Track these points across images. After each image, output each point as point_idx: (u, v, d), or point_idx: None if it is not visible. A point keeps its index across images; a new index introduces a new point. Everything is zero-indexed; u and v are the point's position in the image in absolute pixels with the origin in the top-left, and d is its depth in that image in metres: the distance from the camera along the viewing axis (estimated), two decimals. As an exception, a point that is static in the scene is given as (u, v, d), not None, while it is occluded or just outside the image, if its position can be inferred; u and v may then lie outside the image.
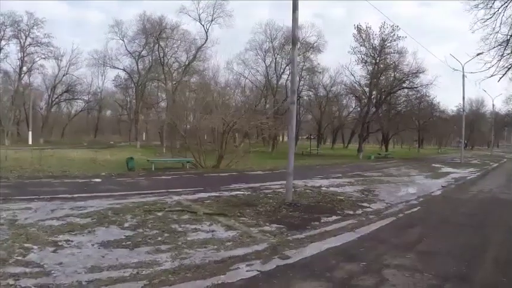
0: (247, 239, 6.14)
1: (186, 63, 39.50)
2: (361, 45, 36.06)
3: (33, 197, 9.90)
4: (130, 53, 41.13)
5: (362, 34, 35.65)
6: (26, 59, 40.73)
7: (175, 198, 9.74)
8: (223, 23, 40.50)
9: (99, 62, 43.28)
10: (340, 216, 7.93)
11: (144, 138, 41.81)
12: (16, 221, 7.46)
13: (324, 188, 11.97)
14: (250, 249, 5.63)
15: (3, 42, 39.40)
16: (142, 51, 40.77)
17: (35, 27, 40.16)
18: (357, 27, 35.81)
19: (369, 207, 9.08)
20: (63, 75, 44.09)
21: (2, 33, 38.99)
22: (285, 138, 48.09)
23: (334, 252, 5.69)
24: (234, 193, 10.34)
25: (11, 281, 4.49)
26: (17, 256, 5.40)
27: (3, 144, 34.31)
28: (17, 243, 5.95)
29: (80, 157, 22.65)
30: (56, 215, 7.94)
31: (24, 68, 40.74)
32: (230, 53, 65.73)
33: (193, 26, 63.74)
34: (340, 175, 16.62)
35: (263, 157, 24.98)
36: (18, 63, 40.51)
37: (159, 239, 6.28)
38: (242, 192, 10.48)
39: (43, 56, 41.73)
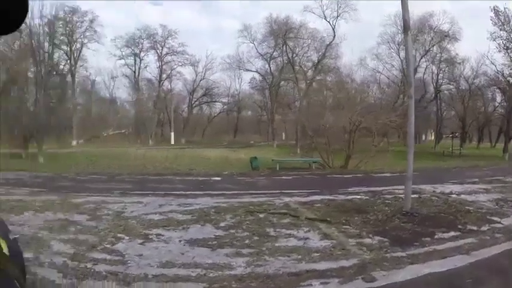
0: (339, 252, 5.68)
1: (316, 61, 39.88)
2: (500, 30, 31.27)
3: (150, 192, 10.96)
4: (261, 55, 43.13)
5: (500, 16, 30.88)
6: (164, 67, 46.49)
7: (286, 199, 9.67)
8: (349, 18, 39.97)
9: (232, 66, 46.15)
10: (459, 233, 6.75)
11: (283, 138, 43.37)
12: (123, 213, 8.31)
13: (453, 196, 10.45)
14: (335, 264, 5.19)
15: (142, 54, 46.17)
16: (273, 52, 42.49)
17: (170, 38, 45.71)
18: (494, 9, 31.11)
19: (499, 222, 7.56)
20: (200, 80, 48.43)
21: (141, 46, 45.75)
22: (430, 137, 44.69)
23: (433, 280, 4.79)
24: (350, 197, 9.81)
25: (89, 265, 5.06)
26: (106, 244, 6.06)
27: (147, 144, 39.25)
28: (112, 233, 6.64)
29: (215, 156, 24.34)
30: (160, 210, 8.62)
31: (164, 76, 46.50)
32: (362, 48, 63.77)
33: (320, 23, 63.77)
34: (476, 180, 14.38)
35: (398, 157, 23.40)
36: (158, 71, 46.59)
37: (246, 242, 6.26)
38: (359, 197, 9.86)
39: (180, 64, 46.84)
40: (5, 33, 0.68)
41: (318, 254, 5.57)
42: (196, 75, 47.97)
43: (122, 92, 50.68)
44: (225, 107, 51.65)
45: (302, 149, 23.11)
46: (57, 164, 19.27)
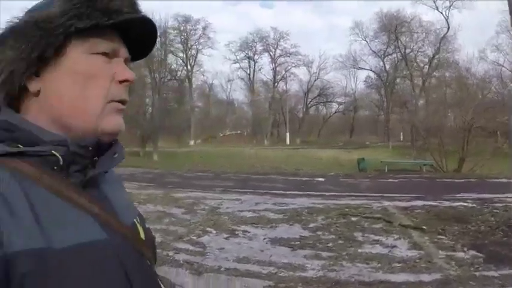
0: (423, 264, 5.20)
1: (431, 56, 37.17)
2: None
3: (250, 190, 11.29)
4: (374, 52, 42.01)
5: None
6: (278, 68, 48.10)
7: (385, 204, 9.22)
8: (462, 7, 36.26)
9: (345, 64, 45.78)
10: None
11: (401, 138, 41.32)
12: (218, 209, 8.69)
13: None
14: (412, 278, 4.76)
15: (256, 57, 48.47)
16: (386, 48, 40.97)
17: (282, 39, 47.06)
18: None
19: None
20: (315, 80, 48.93)
21: (254, 49, 48.01)
22: None
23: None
24: (455, 204, 8.92)
25: (170, 253, 5.46)
26: (192, 236, 6.49)
27: (263, 144, 40.42)
28: (202, 226, 7.05)
29: (326, 156, 24.17)
30: (255, 208, 8.86)
31: (278, 77, 48.04)
32: (480, 39, 57.41)
33: (432, 15, 58.90)
34: None
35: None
36: (272, 73, 48.41)
37: (329, 245, 6.13)
38: (465, 204, 8.91)
39: (293, 65, 48.03)
40: (140, 59, 0.84)
41: (399, 265, 5.20)
42: (311, 76, 48.66)
43: (239, 94, 52.93)
44: (341, 106, 51.12)
45: (417, 150, 21.71)
46: (170, 162, 20.90)
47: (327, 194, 10.78)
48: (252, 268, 5.00)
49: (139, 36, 0.79)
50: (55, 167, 0.70)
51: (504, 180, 13.35)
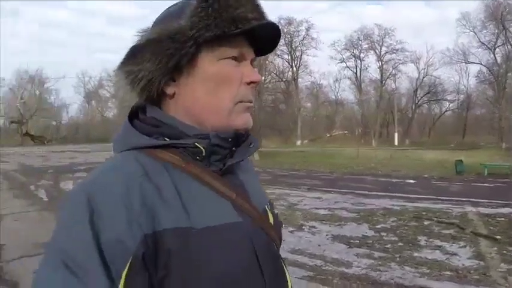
0: (476, 276, 4.81)
1: None
2: None
3: (335, 189, 11.42)
4: (484, 43, 37.82)
5: None
6: (384, 66, 45.77)
7: (467, 209, 8.66)
8: None
9: (452, 59, 42.08)
10: None
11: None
12: (296, 205, 9.06)
13: None
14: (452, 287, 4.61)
15: (362, 55, 46.67)
16: (496, 40, 36.72)
17: (387, 36, 44.75)
18: None
19: None
20: (423, 77, 45.87)
21: (360, 47, 46.28)
22: None
23: None
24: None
25: None
26: None
27: (370, 145, 39.26)
28: None
29: (430, 158, 22.81)
30: (332, 206, 9.06)
31: (385, 75, 45.72)
32: None
33: None
34: None
35: None
36: (379, 71, 46.28)
37: (387, 246, 6.12)
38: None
39: (400, 62, 45.31)
40: (264, 55, 0.90)
41: (449, 273, 4.95)
42: (419, 72, 45.86)
43: (348, 94, 51.75)
44: (452, 104, 47.40)
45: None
46: (269, 161, 21.56)
47: (412, 196, 10.40)
48: (301, 259, 5.27)
49: (263, 37, 0.84)
50: (197, 157, 0.79)
51: None
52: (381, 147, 33.80)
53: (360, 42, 46.11)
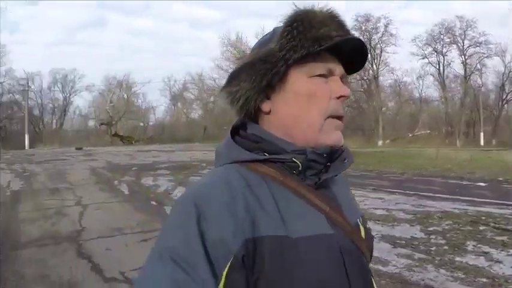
0: (510, 286, 4.73)
1: None
2: None
3: (399, 191, 11.34)
4: None
5: None
6: (468, 61, 42.24)
7: None
8: None
9: None
10: None
11: None
12: (354, 205, 9.14)
13: None
14: None
15: (444, 50, 43.46)
16: None
17: (469, 29, 41.06)
18: None
19: None
20: (510, 71, 41.38)
21: (442, 42, 43.07)
22: None
23: None
24: None
25: None
26: None
27: (454, 145, 36.93)
28: None
29: (505, 159, 21.04)
30: (390, 207, 9.21)
31: (469, 70, 42.39)
32: None
33: None
34: None
35: None
36: (462, 66, 42.77)
37: (431, 248, 6.18)
38: None
39: (484, 55, 41.46)
40: (355, 72, 0.94)
41: (485, 280, 4.92)
42: (505, 66, 41.46)
43: (433, 91, 48.64)
44: None
45: None
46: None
47: (477, 200, 9.98)
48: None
49: (351, 52, 0.87)
50: (294, 171, 0.82)
51: None
52: (465, 148, 31.66)
53: (442, 36, 42.86)
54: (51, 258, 5.72)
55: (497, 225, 7.41)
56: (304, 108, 0.84)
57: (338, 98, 0.84)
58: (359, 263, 0.84)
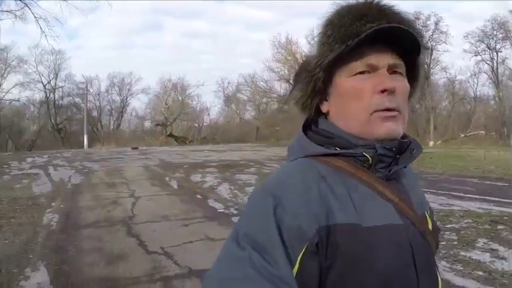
0: (504, 280, 4.87)
1: None
2: None
3: (433, 190, 11.31)
4: None
5: None
6: None
7: None
8: None
9: None
10: None
11: None
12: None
13: None
14: (473, 285, 4.76)
15: (498, 46, 40.89)
16: None
17: None
18: None
19: None
20: None
21: (495, 38, 40.71)
22: None
23: None
24: None
25: None
26: None
27: (508, 146, 34.94)
28: None
29: None
30: None
31: None
32: None
33: None
34: None
35: None
36: None
37: (441, 243, 6.36)
38: None
39: None
40: (418, 55, 0.93)
41: (480, 273, 5.10)
42: None
43: (488, 89, 46.13)
44: None
45: None
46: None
47: (506, 200, 9.97)
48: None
49: (401, 40, 0.85)
50: (365, 165, 0.86)
51: None
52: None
53: (495, 32, 40.41)
54: (105, 236, 6.84)
55: (514, 225, 7.50)
56: (349, 106, 0.87)
57: (382, 91, 0.84)
58: (426, 254, 0.87)
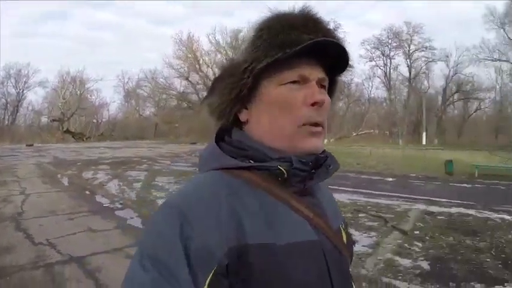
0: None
1: None
2: None
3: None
4: None
5: None
6: (413, 65, 44.76)
7: (416, 206, 8.91)
8: None
9: (478, 57, 39.75)
10: None
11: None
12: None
13: None
14: None
15: (391, 53, 45.79)
16: None
17: (415, 34, 43.59)
18: None
19: None
20: (453, 76, 43.98)
21: (389, 46, 45.55)
22: None
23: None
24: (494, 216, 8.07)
25: None
26: None
27: (397, 144, 38.71)
28: None
29: (442, 158, 22.25)
30: None
31: (414, 73, 44.79)
32: None
33: None
34: None
35: None
36: (407, 69, 45.19)
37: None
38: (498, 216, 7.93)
39: (429, 60, 44.08)
40: (342, 72, 0.90)
41: None
42: (449, 70, 43.71)
43: (382, 92, 50.52)
44: (484, 103, 44.69)
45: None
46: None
47: (375, 192, 10.70)
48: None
49: (334, 53, 0.82)
50: (279, 179, 0.80)
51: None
52: (406, 147, 33.47)
53: (389, 40, 45.22)
54: (-6, 231, 6.80)
55: (375, 214, 8.00)
56: (276, 117, 0.81)
57: (312, 105, 0.81)
58: (341, 268, 0.85)
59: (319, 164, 0.84)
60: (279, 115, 0.81)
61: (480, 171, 15.01)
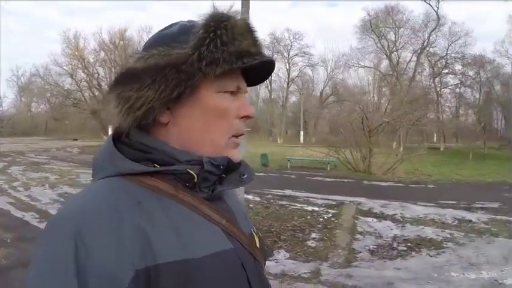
0: None
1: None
2: None
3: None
4: (381, 49, 39.08)
5: None
6: (293, 68, 47.74)
7: None
8: None
9: (348, 63, 43.26)
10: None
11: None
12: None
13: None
14: None
15: (275, 56, 47.56)
16: (394, 45, 38.31)
17: (295, 41, 46.46)
18: None
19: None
20: (329, 80, 47.42)
21: (272, 50, 46.77)
22: None
23: None
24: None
25: None
26: None
27: (276, 142, 39.91)
28: None
29: (282, 153, 22.74)
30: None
31: (292, 76, 47.40)
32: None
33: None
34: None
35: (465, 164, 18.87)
36: (286, 73, 48.08)
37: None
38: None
39: (307, 64, 47.26)
40: (254, 85, 0.85)
41: None
42: (328, 75, 47.35)
43: (264, 93, 52.80)
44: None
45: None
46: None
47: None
48: None
49: (259, 70, 0.79)
50: (187, 184, 0.72)
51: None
52: (286, 144, 35.39)
53: (272, 45, 46.89)
54: None
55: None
56: (209, 124, 0.74)
57: (242, 117, 0.76)
58: (258, 273, 0.79)
59: (230, 169, 0.77)
60: (213, 123, 0.74)
61: (292, 164, 17.22)
